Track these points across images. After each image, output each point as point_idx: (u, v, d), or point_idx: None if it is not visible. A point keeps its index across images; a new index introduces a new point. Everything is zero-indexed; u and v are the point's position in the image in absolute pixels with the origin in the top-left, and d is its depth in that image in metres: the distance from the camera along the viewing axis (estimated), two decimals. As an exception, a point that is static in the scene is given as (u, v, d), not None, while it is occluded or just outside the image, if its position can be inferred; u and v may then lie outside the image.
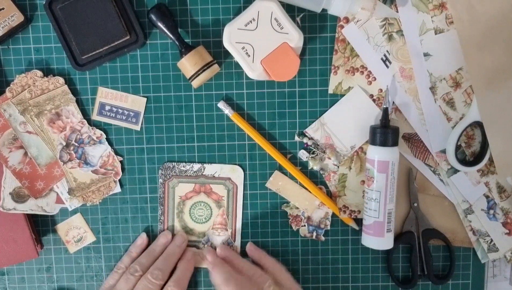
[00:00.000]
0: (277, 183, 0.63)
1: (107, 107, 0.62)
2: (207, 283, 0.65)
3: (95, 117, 0.62)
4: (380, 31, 0.59)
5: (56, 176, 0.62)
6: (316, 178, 0.63)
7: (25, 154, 0.62)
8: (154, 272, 0.59)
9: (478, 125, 0.61)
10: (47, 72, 0.61)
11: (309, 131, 0.62)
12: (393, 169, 0.59)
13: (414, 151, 0.62)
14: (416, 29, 0.59)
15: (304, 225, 0.64)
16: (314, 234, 0.64)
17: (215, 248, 0.64)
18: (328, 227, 0.64)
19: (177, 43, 0.58)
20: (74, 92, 0.61)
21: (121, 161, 0.63)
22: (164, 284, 0.59)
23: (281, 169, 0.63)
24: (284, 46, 0.56)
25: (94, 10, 0.57)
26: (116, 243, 0.64)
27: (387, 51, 0.60)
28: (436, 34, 0.59)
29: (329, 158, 0.62)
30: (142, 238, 0.64)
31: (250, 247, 0.64)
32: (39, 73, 0.60)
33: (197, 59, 0.57)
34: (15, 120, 0.61)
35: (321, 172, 0.63)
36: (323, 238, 0.64)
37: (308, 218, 0.63)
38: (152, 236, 0.64)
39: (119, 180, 0.63)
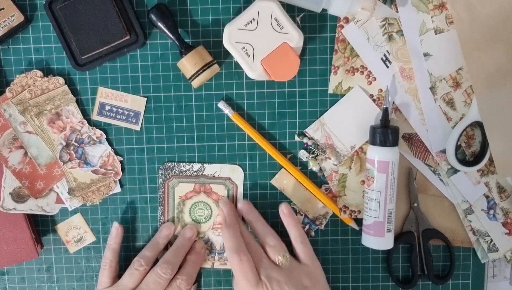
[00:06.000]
0: (282, 181, 0.63)
1: (107, 107, 0.62)
2: (207, 283, 0.65)
3: (95, 117, 0.62)
4: (380, 31, 0.59)
5: (56, 176, 0.62)
6: (316, 178, 0.63)
7: (25, 154, 0.62)
8: (163, 266, 0.59)
9: (478, 125, 0.61)
10: (47, 72, 0.61)
11: (309, 131, 0.62)
12: (393, 169, 0.59)
13: (414, 151, 0.62)
14: (416, 29, 0.59)
15: (302, 215, 0.63)
16: (307, 227, 0.64)
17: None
18: (322, 227, 0.64)
19: (177, 43, 0.58)
20: (74, 92, 0.61)
21: (121, 161, 0.63)
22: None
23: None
24: (284, 46, 0.56)
25: (94, 10, 0.57)
26: (116, 243, 0.64)
27: (387, 51, 0.60)
28: (436, 34, 0.59)
29: (329, 158, 0.62)
30: (116, 227, 0.62)
31: (283, 209, 0.61)
32: (39, 73, 0.60)
33: (197, 59, 0.57)
34: (15, 120, 0.61)
35: (319, 173, 0.63)
36: (313, 233, 0.64)
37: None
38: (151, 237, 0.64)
39: (119, 180, 0.63)
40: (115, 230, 0.62)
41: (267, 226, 0.61)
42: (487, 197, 0.63)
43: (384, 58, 0.60)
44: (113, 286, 0.59)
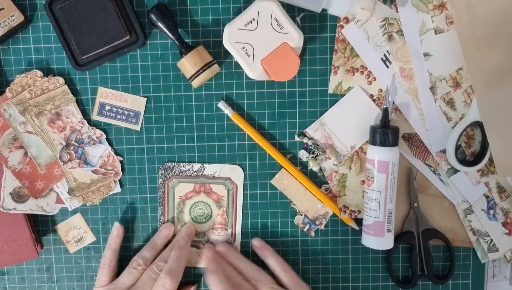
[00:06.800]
0: (282, 181, 0.63)
1: (107, 107, 0.62)
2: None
3: (95, 117, 0.62)
4: (380, 31, 0.59)
5: (56, 176, 0.62)
6: (316, 178, 0.63)
7: (25, 154, 0.62)
8: (159, 263, 0.59)
9: (478, 125, 0.61)
10: (47, 72, 0.61)
11: (309, 131, 0.62)
12: (393, 169, 0.59)
13: (414, 151, 0.62)
14: (416, 29, 0.59)
15: (302, 215, 0.63)
16: (307, 227, 0.64)
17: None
18: (323, 227, 0.64)
19: (177, 43, 0.58)
20: (74, 92, 0.61)
21: (121, 161, 0.63)
22: None
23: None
24: (284, 46, 0.56)
25: (94, 10, 0.57)
26: (116, 243, 0.64)
27: (387, 51, 0.60)
28: (436, 34, 0.59)
29: (329, 158, 0.62)
30: (117, 227, 0.62)
31: (256, 244, 0.62)
32: (39, 73, 0.60)
33: (197, 59, 0.57)
34: (15, 120, 0.61)
35: (319, 173, 0.63)
36: (313, 234, 0.64)
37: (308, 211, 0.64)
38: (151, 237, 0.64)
39: (119, 180, 0.63)
40: (116, 230, 0.62)
41: (249, 262, 0.61)
42: (487, 197, 0.63)
43: (384, 58, 0.60)
44: (110, 284, 0.60)
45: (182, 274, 0.59)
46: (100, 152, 0.62)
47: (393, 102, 0.61)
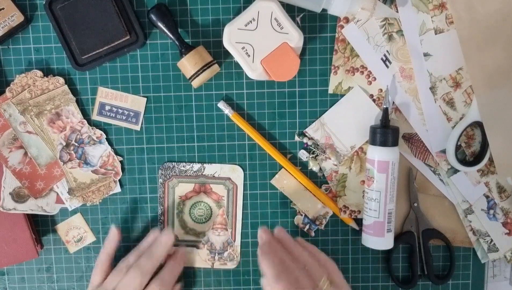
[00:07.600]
0: (282, 181, 0.63)
1: (107, 107, 0.62)
2: (207, 283, 0.65)
3: (95, 117, 0.62)
4: (380, 31, 0.59)
5: (56, 176, 0.62)
6: (316, 178, 0.63)
7: (25, 154, 0.62)
8: (133, 270, 0.58)
9: (478, 125, 0.61)
10: (47, 72, 0.61)
11: (309, 131, 0.62)
12: (393, 169, 0.59)
13: (414, 151, 0.62)
14: (416, 29, 0.59)
15: (302, 215, 0.63)
16: (307, 227, 0.64)
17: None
18: (322, 227, 0.64)
19: (177, 43, 0.58)
20: (74, 92, 0.61)
21: (121, 161, 0.63)
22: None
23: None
24: (284, 46, 0.56)
25: (94, 10, 0.57)
26: (116, 243, 0.64)
27: (387, 51, 0.60)
28: (436, 34, 0.59)
29: (329, 158, 0.62)
30: (113, 231, 0.61)
31: (300, 242, 0.60)
32: (39, 73, 0.60)
33: (197, 59, 0.57)
34: (15, 120, 0.61)
35: (319, 173, 0.63)
36: (313, 233, 0.64)
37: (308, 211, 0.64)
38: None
39: (119, 180, 0.63)
40: (112, 234, 0.61)
41: (305, 252, 0.58)
42: (487, 197, 0.63)
43: (384, 58, 0.60)
44: (101, 287, 0.59)
45: (174, 284, 0.60)
46: (100, 152, 0.62)
47: (393, 102, 0.61)
